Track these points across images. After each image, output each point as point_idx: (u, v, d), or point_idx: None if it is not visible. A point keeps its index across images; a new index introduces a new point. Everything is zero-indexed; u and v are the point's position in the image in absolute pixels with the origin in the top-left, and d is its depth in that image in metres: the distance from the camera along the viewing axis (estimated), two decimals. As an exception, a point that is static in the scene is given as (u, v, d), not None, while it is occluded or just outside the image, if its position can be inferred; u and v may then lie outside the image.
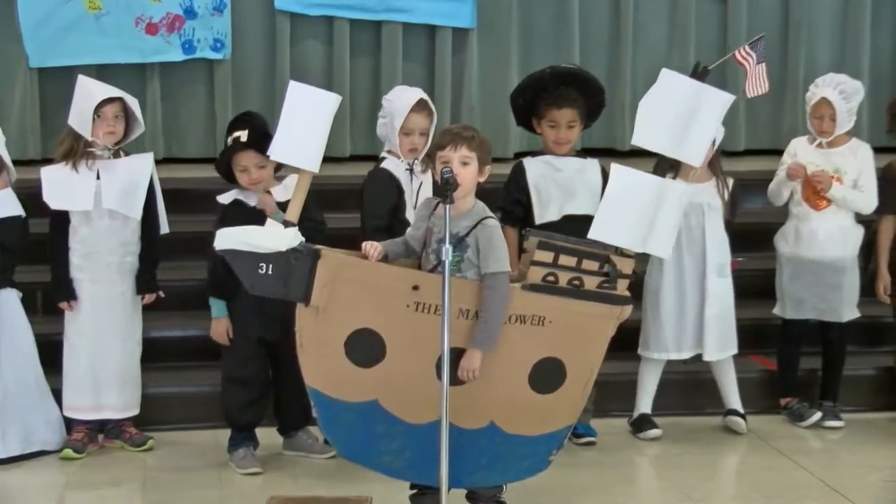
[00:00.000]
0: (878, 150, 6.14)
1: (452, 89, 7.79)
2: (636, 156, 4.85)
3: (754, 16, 7.98)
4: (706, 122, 4.60)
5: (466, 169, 4.38)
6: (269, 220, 4.55)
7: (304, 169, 4.46)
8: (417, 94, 5.45)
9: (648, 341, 5.74)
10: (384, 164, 5.41)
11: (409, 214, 5.30)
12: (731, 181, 5.76)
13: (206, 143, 7.68)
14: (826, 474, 5.26)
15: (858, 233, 5.94)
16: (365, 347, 4.40)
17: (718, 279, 5.68)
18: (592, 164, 5.68)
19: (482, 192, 5.68)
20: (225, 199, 5.34)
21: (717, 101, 4.62)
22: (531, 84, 5.73)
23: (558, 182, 5.58)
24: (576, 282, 4.45)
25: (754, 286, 5.81)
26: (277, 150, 4.47)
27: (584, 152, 5.88)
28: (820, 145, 5.89)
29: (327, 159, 5.43)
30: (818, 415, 5.86)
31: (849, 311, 5.89)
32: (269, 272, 4.37)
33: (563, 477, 5.10)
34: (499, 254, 4.39)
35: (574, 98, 5.57)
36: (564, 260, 4.44)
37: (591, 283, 4.45)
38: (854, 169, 5.87)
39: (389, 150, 5.42)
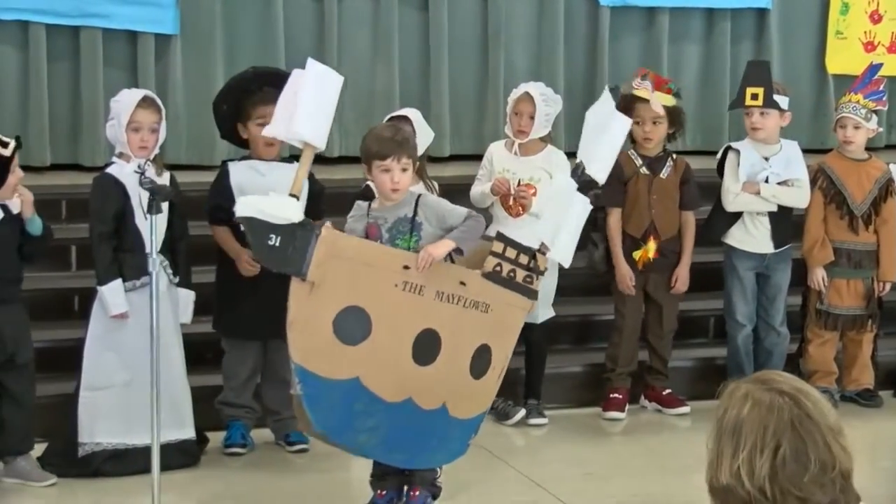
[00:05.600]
0: (573, 156, 6.38)
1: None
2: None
3: (454, 24, 8.14)
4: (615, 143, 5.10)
5: (406, 174, 4.77)
6: (274, 193, 4.62)
7: (311, 145, 4.65)
8: (139, 91, 5.55)
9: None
10: (109, 169, 5.36)
11: (139, 221, 5.24)
12: (436, 185, 5.88)
13: None
14: (530, 470, 5.43)
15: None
16: (352, 325, 4.55)
17: None
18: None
19: (189, 200, 5.65)
20: None
21: (622, 124, 5.11)
22: (236, 86, 5.73)
23: (262, 188, 5.56)
24: (511, 273, 4.78)
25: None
26: (302, 128, 4.63)
27: (294, 158, 5.89)
28: (517, 151, 6.07)
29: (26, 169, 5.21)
30: (522, 412, 6.04)
31: (543, 312, 6.08)
32: (277, 244, 4.48)
33: (270, 483, 5.10)
34: (452, 205, 4.87)
35: (276, 97, 5.58)
36: (510, 252, 4.80)
37: (520, 275, 4.79)
38: (548, 175, 6.07)
39: (120, 152, 5.35)
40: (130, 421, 5.18)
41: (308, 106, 4.67)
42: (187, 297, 5.48)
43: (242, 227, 4.65)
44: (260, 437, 5.69)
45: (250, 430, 5.67)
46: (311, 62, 4.74)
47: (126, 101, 5.35)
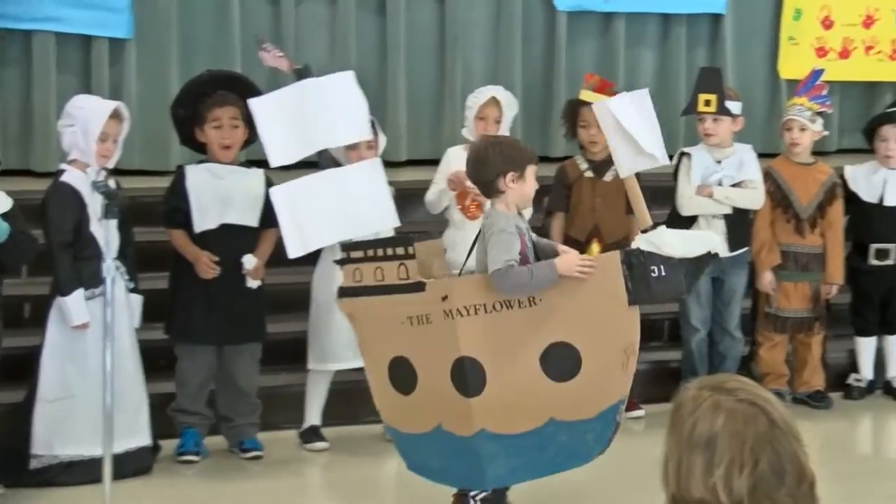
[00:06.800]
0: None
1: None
2: (305, 167, 4.91)
3: (412, 29, 8.14)
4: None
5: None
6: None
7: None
8: (111, 102, 5.48)
9: (323, 354, 5.75)
10: (65, 178, 5.31)
11: (94, 228, 5.20)
12: (392, 189, 5.87)
13: None
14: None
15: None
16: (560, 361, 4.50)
17: None
18: (256, 174, 5.71)
19: (144, 205, 5.60)
20: None
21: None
22: (191, 90, 5.74)
23: (217, 190, 5.59)
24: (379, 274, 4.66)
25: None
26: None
27: (250, 163, 5.88)
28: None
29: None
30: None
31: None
32: (663, 274, 4.43)
33: (224, 491, 5.07)
34: None
35: (235, 99, 5.60)
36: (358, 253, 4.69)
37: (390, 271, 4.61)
38: None
39: (73, 159, 5.31)
40: (89, 431, 5.12)
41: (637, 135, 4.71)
42: (137, 301, 5.46)
43: (630, 262, 4.48)
44: (213, 445, 5.67)
45: (204, 438, 5.65)
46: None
47: (97, 110, 5.33)
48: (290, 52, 7.84)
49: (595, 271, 4.45)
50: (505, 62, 8.28)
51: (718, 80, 6.45)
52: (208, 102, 5.61)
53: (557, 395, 4.43)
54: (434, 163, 6.42)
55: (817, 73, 6.53)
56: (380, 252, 4.55)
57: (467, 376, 4.42)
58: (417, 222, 6.55)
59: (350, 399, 6.02)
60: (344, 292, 4.65)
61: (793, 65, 8.52)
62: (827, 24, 8.72)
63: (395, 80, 8.05)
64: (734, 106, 6.36)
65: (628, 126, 4.69)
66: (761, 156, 6.60)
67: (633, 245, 4.56)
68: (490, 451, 4.48)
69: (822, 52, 8.69)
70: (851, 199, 6.63)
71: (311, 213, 4.66)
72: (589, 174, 6.24)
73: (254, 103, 4.81)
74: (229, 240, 5.57)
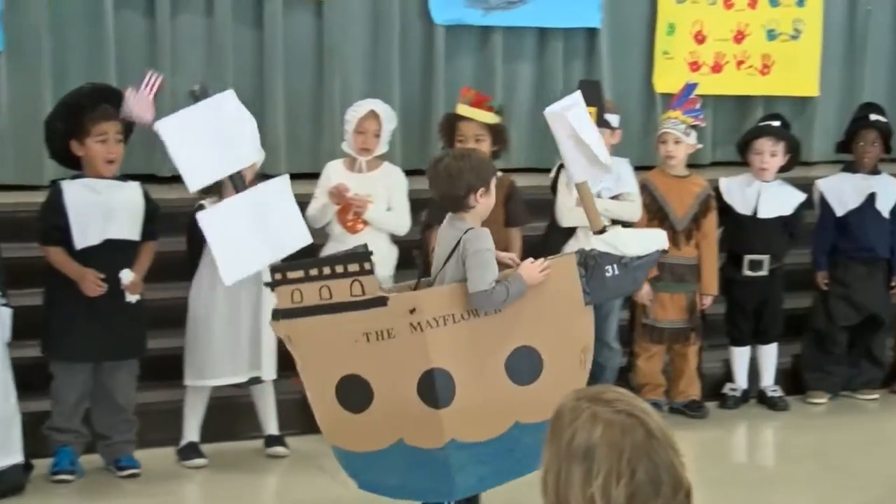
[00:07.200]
0: (408, 173, 6.43)
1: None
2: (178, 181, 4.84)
3: (289, 42, 8.11)
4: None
5: None
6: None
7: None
8: None
9: (201, 369, 5.70)
10: None
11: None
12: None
13: None
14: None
15: (393, 253, 6.19)
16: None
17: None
18: (133, 188, 5.64)
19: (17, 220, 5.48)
20: None
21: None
22: (72, 102, 5.62)
23: (98, 206, 5.49)
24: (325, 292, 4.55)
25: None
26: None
27: (126, 177, 5.80)
28: (360, 169, 6.08)
29: None
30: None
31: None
32: (616, 273, 4.55)
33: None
34: None
35: (115, 113, 5.52)
36: (298, 273, 4.54)
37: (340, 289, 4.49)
38: (386, 192, 6.10)
39: None
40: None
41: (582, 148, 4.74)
42: (6, 314, 5.34)
43: (586, 263, 4.58)
44: (89, 463, 5.57)
45: (79, 456, 5.55)
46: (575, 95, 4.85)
47: None
48: (167, 63, 7.80)
49: (553, 274, 4.54)
50: (383, 75, 8.29)
51: (598, 93, 6.52)
52: (93, 116, 5.50)
53: (521, 399, 4.47)
54: (314, 176, 6.40)
55: (691, 87, 6.65)
56: (326, 270, 4.42)
57: (437, 388, 4.40)
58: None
59: (228, 415, 5.98)
60: (279, 314, 4.49)
61: (667, 79, 8.68)
62: (699, 38, 8.90)
63: (272, 93, 8.01)
64: (613, 118, 6.45)
65: (583, 135, 4.74)
66: (637, 168, 6.70)
67: (588, 247, 4.67)
68: (460, 460, 4.47)
69: (695, 66, 8.86)
70: (726, 211, 6.77)
71: (238, 237, 4.60)
72: (466, 188, 6.26)
73: (161, 126, 4.70)
74: (112, 255, 5.49)
